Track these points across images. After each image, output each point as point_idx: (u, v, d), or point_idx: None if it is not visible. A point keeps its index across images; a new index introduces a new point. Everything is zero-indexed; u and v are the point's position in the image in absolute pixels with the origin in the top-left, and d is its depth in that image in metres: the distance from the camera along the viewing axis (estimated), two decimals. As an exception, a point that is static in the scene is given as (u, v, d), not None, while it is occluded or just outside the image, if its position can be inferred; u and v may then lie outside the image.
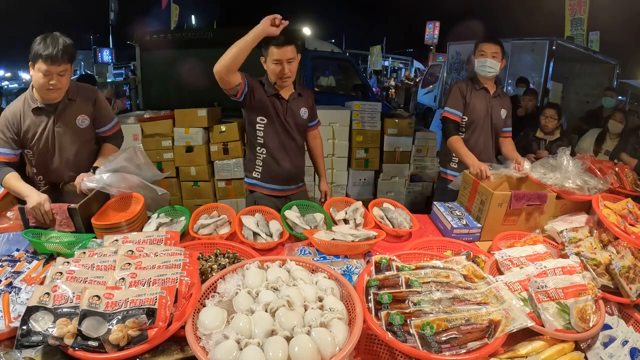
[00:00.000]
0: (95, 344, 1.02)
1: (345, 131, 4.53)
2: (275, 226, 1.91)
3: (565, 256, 1.56)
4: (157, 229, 1.86)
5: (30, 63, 1.79)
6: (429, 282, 1.24)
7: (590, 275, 1.45)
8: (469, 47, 7.58)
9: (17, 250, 1.64)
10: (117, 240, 1.48)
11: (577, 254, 1.55)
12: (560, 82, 6.55)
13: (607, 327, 1.33)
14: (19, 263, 1.50)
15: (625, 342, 1.26)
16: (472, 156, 2.38)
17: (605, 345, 1.27)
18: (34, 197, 1.76)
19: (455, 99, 2.58)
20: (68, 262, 1.28)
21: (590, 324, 1.25)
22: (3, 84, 14.71)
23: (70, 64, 1.85)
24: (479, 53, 2.53)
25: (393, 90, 15.11)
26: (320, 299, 1.18)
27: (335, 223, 1.99)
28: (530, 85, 5.93)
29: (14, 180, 1.86)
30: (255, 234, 1.85)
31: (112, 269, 1.27)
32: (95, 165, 1.99)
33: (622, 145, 3.57)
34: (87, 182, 1.86)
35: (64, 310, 1.10)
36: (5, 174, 1.87)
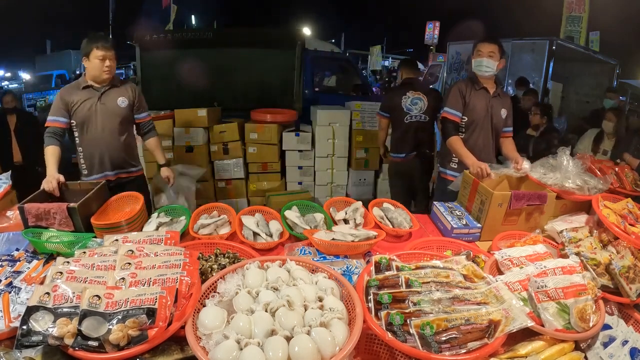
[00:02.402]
0: (95, 343, 1.02)
1: (345, 131, 4.53)
2: (275, 226, 1.91)
3: (565, 256, 1.56)
4: (157, 228, 1.86)
5: (84, 57, 2.31)
6: (428, 282, 1.24)
7: (590, 275, 1.45)
8: (469, 47, 7.53)
9: (17, 249, 1.64)
10: (117, 240, 1.48)
11: (577, 254, 1.55)
12: (560, 82, 6.55)
13: (607, 327, 1.33)
14: (18, 263, 1.50)
15: (625, 342, 1.26)
16: (471, 156, 2.38)
17: (605, 345, 1.27)
18: (48, 177, 2.01)
19: (454, 99, 2.58)
20: (68, 262, 1.28)
21: (590, 324, 1.25)
22: (3, 84, 14.70)
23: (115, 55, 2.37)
24: (476, 53, 2.54)
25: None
26: (320, 299, 1.18)
27: (335, 223, 1.99)
28: (530, 85, 5.92)
29: (50, 152, 2.21)
30: (255, 234, 1.85)
31: (112, 268, 1.27)
32: (161, 163, 2.60)
33: (624, 146, 3.56)
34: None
35: (64, 310, 1.10)
36: (49, 144, 2.24)
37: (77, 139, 2.42)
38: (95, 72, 2.32)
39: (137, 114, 2.55)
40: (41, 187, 1.95)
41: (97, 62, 2.29)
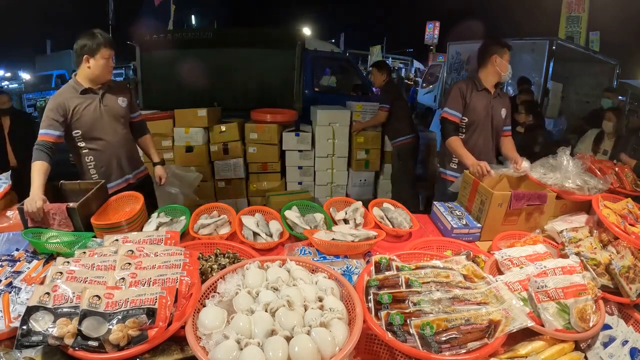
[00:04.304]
0: (95, 343, 1.02)
1: (345, 131, 4.53)
2: (275, 226, 1.91)
3: (565, 256, 1.56)
4: (157, 228, 1.86)
5: (85, 57, 2.11)
6: (428, 282, 1.24)
7: (590, 275, 1.45)
8: (469, 47, 7.58)
9: (17, 249, 1.64)
10: (117, 240, 1.48)
11: (577, 254, 1.55)
12: (560, 82, 6.54)
13: (607, 327, 1.33)
14: (18, 263, 1.50)
15: (625, 342, 1.26)
16: (470, 156, 2.39)
17: (605, 345, 1.27)
18: (32, 196, 1.81)
19: (454, 100, 2.58)
20: (68, 262, 1.28)
21: (590, 324, 1.25)
22: (3, 84, 14.69)
23: None
24: (506, 58, 2.54)
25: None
26: (320, 299, 1.18)
27: (335, 223, 1.99)
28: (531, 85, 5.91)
29: (37, 168, 1.96)
30: (255, 234, 1.85)
31: (112, 268, 1.27)
32: (156, 161, 2.56)
33: (622, 146, 3.56)
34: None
35: (64, 310, 1.10)
36: (37, 159, 1.99)
37: (83, 149, 2.23)
38: (100, 72, 2.17)
39: (131, 113, 2.46)
40: (18, 207, 1.76)
41: (103, 62, 2.15)
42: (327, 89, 7.11)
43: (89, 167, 2.27)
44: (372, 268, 1.33)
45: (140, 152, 2.65)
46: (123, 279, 1.21)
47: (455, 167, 2.67)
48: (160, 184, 2.56)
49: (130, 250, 1.36)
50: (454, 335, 1.07)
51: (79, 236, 1.69)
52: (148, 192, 2.50)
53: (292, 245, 1.73)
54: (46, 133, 2.06)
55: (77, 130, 2.18)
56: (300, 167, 4.56)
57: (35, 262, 1.52)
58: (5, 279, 1.37)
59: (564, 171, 2.06)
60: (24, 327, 1.05)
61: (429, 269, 1.31)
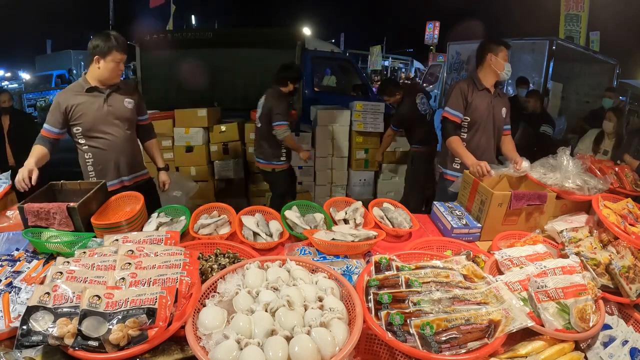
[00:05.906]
0: (95, 343, 1.02)
1: (345, 131, 4.54)
2: (275, 226, 1.91)
3: (565, 256, 1.56)
4: (157, 228, 1.86)
5: (96, 57, 2.15)
6: (428, 282, 1.24)
7: (590, 275, 1.45)
8: (469, 47, 7.57)
9: (17, 249, 1.64)
10: (117, 240, 1.48)
11: (577, 254, 1.55)
12: (560, 82, 6.54)
13: (607, 327, 1.33)
14: (18, 263, 1.50)
15: (625, 342, 1.26)
16: (470, 156, 2.39)
17: (605, 345, 1.27)
18: (25, 165, 1.95)
19: (455, 99, 2.58)
20: (68, 262, 1.28)
21: (590, 324, 1.25)
22: (3, 84, 14.70)
23: None
24: (503, 58, 2.54)
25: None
26: (320, 299, 1.18)
27: (335, 223, 1.99)
28: (531, 85, 5.92)
29: (33, 150, 2.11)
30: (255, 234, 1.85)
31: (112, 268, 1.27)
32: (160, 167, 2.57)
33: (625, 146, 3.56)
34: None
35: (64, 310, 1.10)
36: (36, 144, 2.15)
37: (83, 146, 2.26)
38: (108, 75, 2.19)
39: (139, 115, 2.46)
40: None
41: (113, 65, 2.17)
42: (327, 89, 7.10)
43: (87, 164, 2.30)
44: (372, 268, 1.33)
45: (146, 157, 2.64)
46: (123, 278, 1.21)
47: (458, 167, 2.67)
48: (163, 190, 2.56)
49: (130, 250, 1.36)
50: (454, 335, 1.07)
51: (79, 236, 1.69)
52: (149, 195, 2.48)
53: (292, 245, 1.72)
54: (47, 129, 2.18)
55: (78, 127, 2.22)
56: (300, 167, 4.57)
57: (35, 262, 1.52)
58: (5, 278, 1.37)
59: (564, 171, 2.06)
60: (24, 327, 1.05)
61: (429, 269, 1.31)
